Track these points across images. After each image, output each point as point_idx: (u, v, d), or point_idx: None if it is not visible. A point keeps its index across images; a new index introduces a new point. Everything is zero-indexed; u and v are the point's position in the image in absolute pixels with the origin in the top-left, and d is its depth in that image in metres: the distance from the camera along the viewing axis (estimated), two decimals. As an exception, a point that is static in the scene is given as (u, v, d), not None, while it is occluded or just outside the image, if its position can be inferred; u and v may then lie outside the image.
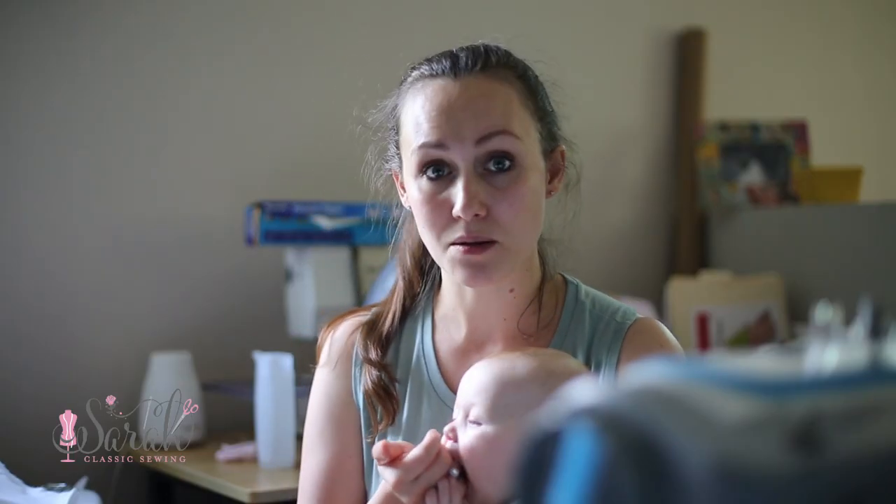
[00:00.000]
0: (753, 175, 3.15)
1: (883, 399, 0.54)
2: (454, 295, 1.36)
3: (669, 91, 3.25)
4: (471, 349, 1.37)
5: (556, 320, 1.35)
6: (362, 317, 1.43)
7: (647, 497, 0.51)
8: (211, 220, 2.63)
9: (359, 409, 1.39)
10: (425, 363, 1.38)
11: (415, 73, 1.32)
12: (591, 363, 1.32)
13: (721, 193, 3.12)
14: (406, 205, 1.36)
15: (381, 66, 2.77)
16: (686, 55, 3.23)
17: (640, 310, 2.74)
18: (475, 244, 1.25)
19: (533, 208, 1.28)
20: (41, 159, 2.48)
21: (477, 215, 1.24)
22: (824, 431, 0.51)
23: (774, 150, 3.17)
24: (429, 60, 1.31)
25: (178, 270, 2.60)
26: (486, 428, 1.21)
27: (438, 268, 1.39)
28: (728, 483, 0.49)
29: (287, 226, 2.49)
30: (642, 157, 3.22)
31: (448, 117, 1.25)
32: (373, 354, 1.38)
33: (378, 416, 1.36)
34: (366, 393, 1.37)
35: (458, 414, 1.25)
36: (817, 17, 3.55)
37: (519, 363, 1.24)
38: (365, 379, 1.37)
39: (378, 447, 1.23)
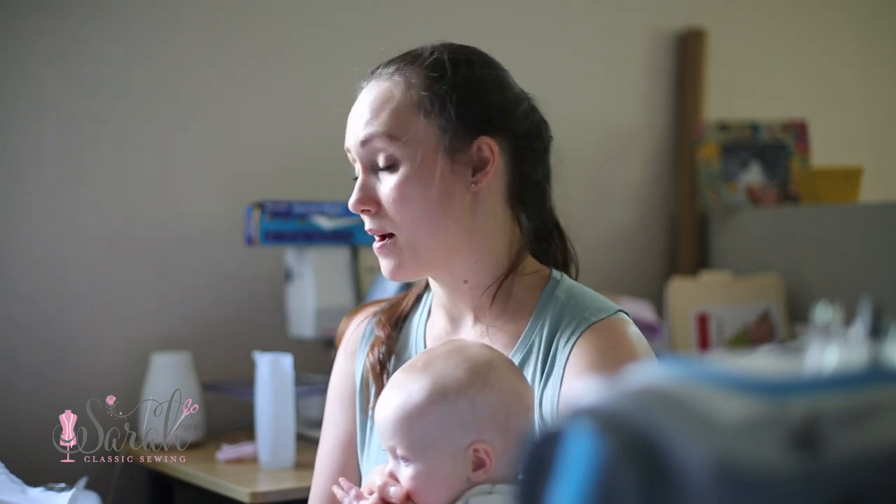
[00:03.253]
0: (753, 175, 3.15)
1: (883, 399, 0.54)
2: (433, 286, 1.43)
3: (669, 91, 3.25)
4: (451, 336, 1.41)
5: (529, 313, 1.36)
6: (384, 305, 1.51)
7: (647, 497, 0.51)
8: (211, 220, 2.63)
9: (357, 392, 1.47)
10: (415, 348, 1.43)
11: None
12: (548, 358, 1.32)
13: (721, 193, 3.12)
14: None
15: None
16: (686, 55, 3.23)
17: (640, 310, 2.75)
18: (381, 237, 1.34)
19: (422, 206, 1.31)
20: (41, 159, 2.48)
21: (367, 211, 1.34)
22: (824, 431, 0.51)
23: (774, 150, 3.16)
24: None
25: (178, 270, 2.60)
26: (416, 466, 1.21)
27: None
28: (728, 483, 0.50)
29: (287, 226, 2.49)
30: (642, 157, 3.22)
31: (350, 122, 1.38)
32: (380, 331, 1.45)
33: (371, 391, 1.43)
34: (367, 368, 1.44)
35: (388, 452, 1.24)
36: (817, 17, 3.55)
37: (414, 388, 1.21)
38: (371, 352, 1.45)
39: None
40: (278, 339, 2.58)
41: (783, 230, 3.02)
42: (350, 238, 2.55)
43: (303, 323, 2.53)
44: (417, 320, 1.45)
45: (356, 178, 1.36)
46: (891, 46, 3.69)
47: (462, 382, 1.20)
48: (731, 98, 3.30)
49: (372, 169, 1.34)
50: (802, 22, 3.52)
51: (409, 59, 1.36)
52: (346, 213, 2.54)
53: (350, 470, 1.45)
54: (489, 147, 1.34)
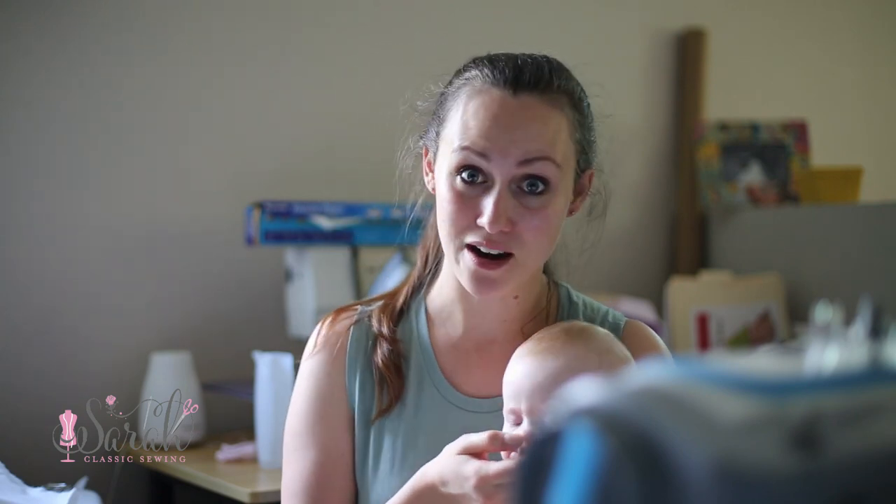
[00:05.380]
0: (753, 175, 3.15)
1: (883, 399, 0.54)
2: (455, 292, 1.38)
3: (669, 91, 3.25)
4: (469, 347, 1.39)
5: (552, 320, 1.40)
6: (366, 308, 1.45)
7: (647, 497, 0.51)
8: (211, 220, 2.63)
9: (352, 405, 1.39)
10: (423, 356, 1.40)
11: (475, 72, 1.32)
12: None
13: (721, 193, 3.12)
14: (429, 186, 1.39)
15: (381, 67, 2.79)
16: (686, 55, 3.23)
17: (640, 310, 2.76)
18: (489, 256, 1.28)
19: (554, 230, 1.31)
20: (41, 159, 2.48)
21: (501, 231, 1.27)
22: (824, 431, 0.51)
23: (774, 150, 3.16)
24: (492, 62, 1.32)
25: (178, 270, 2.60)
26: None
27: (438, 262, 1.42)
28: (728, 483, 0.49)
29: (287, 226, 2.49)
30: (642, 157, 3.22)
31: (498, 131, 1.28)
32: (385, 328, 1.40)
33: (384, 395, 1.37)
34: (376, 367, 1.38)
35: (521, 418, 1.24)
36: (817, 17, 3.55)
37: (570, 355, 1.25)
38: (377, 353, 1.39)
39: (490, 438, 1.21)
40: (278, 339, 2.58)
41: (783, 230, 3.02)
42: (350, 238, 2.55)
43: (303, 323, 2.53)
44: (416, 327, 1.42)
45: (468, 179, 1.28)
46: (891, 46, 3.69)
47: (609, 353, 1.26)
48: (731, 98, 3.30)
49: (510, 185, 1.28)
50: (802, 22, 3.52)
51: (561, 87, 1.31)
52: (346, 213, 2.54)
53: (337, 491, 1.37)
54: (590, 177, 1.39)
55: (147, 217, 2.57)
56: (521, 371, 1.26)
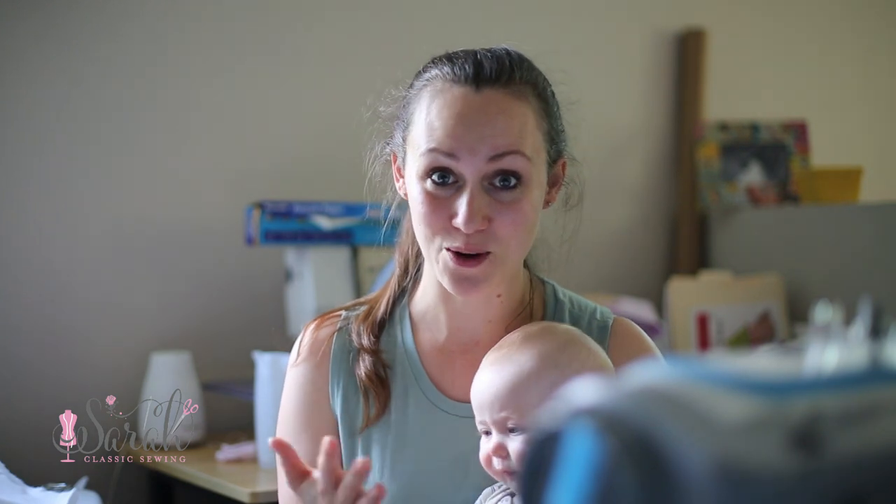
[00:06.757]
0: (753, 175, 3.15)
1: (883, 399, 0.54)
2: (437, 296, 1.37)
3: (669, 91, 3.25)
4: (454, 350, 1.38)
5: (537, 319, 1.38)
6: (350, 313, 1.43)
7: (647, 497, 0.51)
8: (211, 220, 2.63)
9: (335, 414, 1.37)
10: (408, 362, 1.38)
11: (435, 72, 1.31)
12: None
13: (721, 193, 3.12)
14: (401, 191, 1.37)
15: (381, 67, 2.78)
16: (686, 55, 3.23)
17: (640, 310, 2.76)
18: (469, 256, 1.27)
19: (531, 223, 1.30)
20: (41, 159, 2.48)
21: (478, 230, 1.26)
22: (824, 431, 0.51)
23: (774, 150, 3.16)
24: (451, 60, 1.30)
25: (178, 270, 2.60)
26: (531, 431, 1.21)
27: (419, 267, 1.41)
28: (728, 483, 0.50)
29: (287, 226, 2.49)
30: (642, 157, 3.22)
31: (465, 130, 1.26)
32: (366, 340, 1.38)
33: (370, 405, 1.35)
34: (359, 380, 1.36)
35: (489, 429, 1.24)
36: (817, 17, 3.55)
37: (523, 359, 1.24)
38: (360, 366, 1.37)
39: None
40: (278, 339, 2.58)
41: (783, 230, 3.02)
42: (350, 238, 2.55)
43: (303, 323, 2.52)
44: (401, 333, 1.39)
45: (438, 180, 1.27)
46: (891, 46, 3.68)
47: (568, 349, 1.25)
48: (731, 98, 3.30)
49: (482, 182, 1.26)
50: (802, 22, 3.52)
51: (523, 78, 1.30)
52: (346, 213, 2.54)
53: None
54: (562, 166, 1.36)
55: (147, 217, 2.57)
56: (482, 382, 1.26)
